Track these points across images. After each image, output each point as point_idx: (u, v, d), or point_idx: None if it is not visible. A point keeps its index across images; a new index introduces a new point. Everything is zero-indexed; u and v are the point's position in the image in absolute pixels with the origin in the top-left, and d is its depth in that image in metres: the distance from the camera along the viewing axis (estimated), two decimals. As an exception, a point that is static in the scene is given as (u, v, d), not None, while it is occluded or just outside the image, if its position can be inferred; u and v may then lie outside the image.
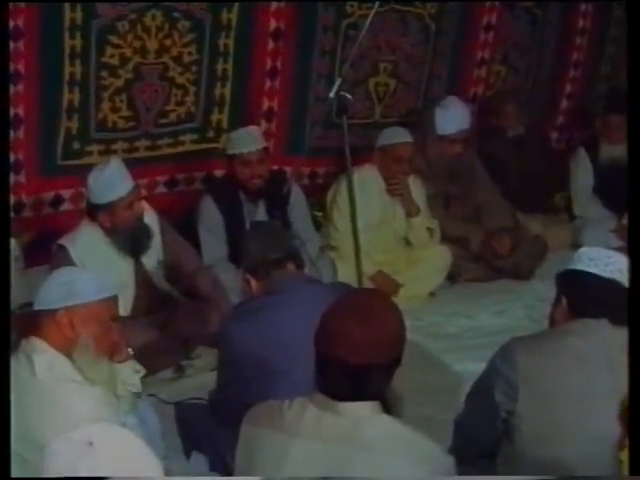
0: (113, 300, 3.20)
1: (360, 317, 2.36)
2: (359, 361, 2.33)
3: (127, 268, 4.79)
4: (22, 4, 4.62)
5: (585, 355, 2.87)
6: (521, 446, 2.89)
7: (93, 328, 3.08)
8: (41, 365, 2.94)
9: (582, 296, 2.99)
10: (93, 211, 4.69)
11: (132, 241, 4.74)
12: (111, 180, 4.58)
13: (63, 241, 4.66)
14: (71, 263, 4.49)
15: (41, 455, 1.96)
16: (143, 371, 3.52)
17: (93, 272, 3.37)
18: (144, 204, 4.83)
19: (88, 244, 4.65)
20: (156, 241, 4.88)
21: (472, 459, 3.04)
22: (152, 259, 4.88)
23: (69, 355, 3.02)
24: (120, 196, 4.61)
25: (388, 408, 2.43)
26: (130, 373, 3.44)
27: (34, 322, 3.09)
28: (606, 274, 2.93)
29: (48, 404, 2.85)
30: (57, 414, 2.80)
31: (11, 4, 4.42)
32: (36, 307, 3.11)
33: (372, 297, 2.55)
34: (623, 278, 2.89)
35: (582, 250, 3.05)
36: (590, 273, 2.96)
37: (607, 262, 2.95)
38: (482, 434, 3.05)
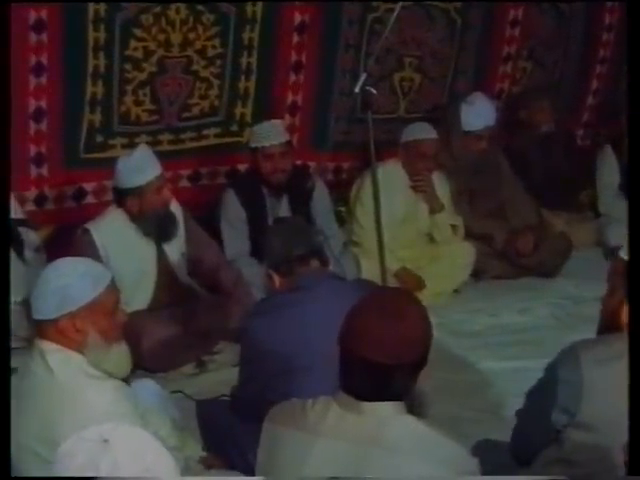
0: (112, 286, 2.99)
1: (386, 316, 2.33)
2: (384, 361, 2.30)
3: (150, 255, 4.80)
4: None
5: None
6: (574, 455, 2.66)
7: (99, 323, 2.93)
8: (55, 363, 2.87)
9: None
10: (121, 196, 4.70)
11: (158, 226, 4.75)
12: (140, 164, 4.60)
13: (88, 225, 4.68)
14: (94, 247, 4.55)
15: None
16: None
17: (88, 264, 3.05)
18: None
19: (112, 229, 4.67)
20: (180, 233, 4.88)
21: (526, 458, 2.88)
22: (175, 251, 4.88)
23: (81, 352, 2.92)
24: (149, 180, 4.61)
25: (412, 408, 2.40)
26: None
27: (39, 328, 2.95)
28: None
29: (67, 402, 2.80)
30: (76, 411, 2.76)
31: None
32: (35, 316, 2.94)
33: (398, 296, 2.51)
34: None
35: None
36: None
37: None
38: (536, 434, 2.84)
